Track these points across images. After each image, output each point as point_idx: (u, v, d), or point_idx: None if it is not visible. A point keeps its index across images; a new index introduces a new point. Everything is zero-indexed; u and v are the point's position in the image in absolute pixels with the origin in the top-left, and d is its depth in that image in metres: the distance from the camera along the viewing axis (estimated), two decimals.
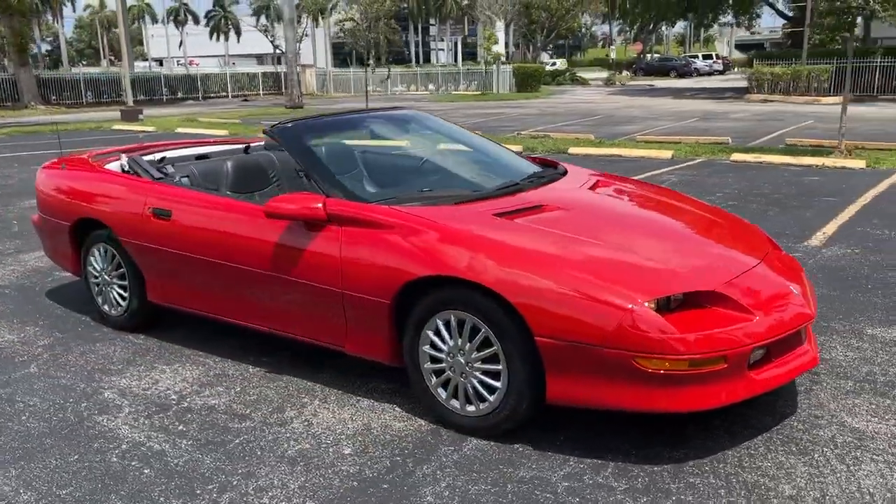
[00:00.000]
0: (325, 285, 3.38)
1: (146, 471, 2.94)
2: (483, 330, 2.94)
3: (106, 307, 4.59)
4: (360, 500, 2.68)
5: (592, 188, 3.99)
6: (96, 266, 4.55)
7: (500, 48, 39.29)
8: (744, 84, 30.03)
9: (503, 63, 37.54)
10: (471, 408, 3.08)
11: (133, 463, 3.00)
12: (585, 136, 15.15)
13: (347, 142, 4.28)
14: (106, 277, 4.50)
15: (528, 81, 36.55)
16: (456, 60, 57.18)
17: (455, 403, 3.12)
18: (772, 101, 26.01)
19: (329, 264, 3.34)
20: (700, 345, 2.64)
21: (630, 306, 2.68)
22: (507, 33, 44.93)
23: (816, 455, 2.87)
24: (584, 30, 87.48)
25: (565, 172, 4.15)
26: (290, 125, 3.96)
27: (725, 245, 3.38)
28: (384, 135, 4.43)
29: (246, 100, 37.29)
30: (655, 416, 3.06)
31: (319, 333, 3.56)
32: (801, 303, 3.02)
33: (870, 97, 26.85)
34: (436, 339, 3.11)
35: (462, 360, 3.03)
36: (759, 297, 2.92)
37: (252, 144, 5.38)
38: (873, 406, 3.26)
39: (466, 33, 67.22)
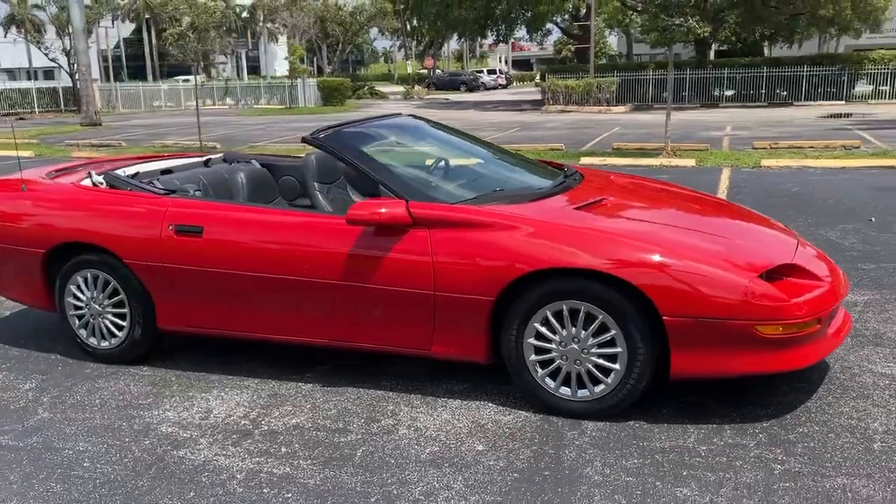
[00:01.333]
0: (412, 289, 3.38)
1: (287, 494, 2.80)
2: (601, 317, 3.14)
3: (93, 340, 4.15)
4: (534, 488, 2.77)
5: (623, 184, 4.31)
6: (81, 296, 4.10)
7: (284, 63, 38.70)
8: (533, 97, 32.41)
9: (309, 77, 37.22)
10: (583, 392, 3.26)
11: (265, 490, 2.84)
12: None
13: (390, 148, 4.24)
14: (96, 307, 4.07)
15: (333, 95, 36.51)
16: (239, 74, 55.67)
17: (566, 391, 3.28)
18: (569, 111, 28.27)
19: (418, 267, 3.35)
20: (804, 309, 3.05)
21: (748, 281, 3.02)
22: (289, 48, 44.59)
23: (875, 396, 3.40)
24: (366, 45, 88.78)
25: (578, 171, 4.42)
26: (339, 132, 3.90)
27: (766, 226, 3.86)
28: (406, 142, 4.43)
29: (21, 118, 33.55)
30: (747, 379, 3.44)
31: (399, 339, 3.54)
32: (838, 271, 3.55)
33: (646, 106, 30.09)
34: (543, 331, 3.25)
35: (577, 348, 3.21)
36: (817, 268, 3.41)
37: (212, 157, 5.13)
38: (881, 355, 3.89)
39: (250, 47, 65.60)
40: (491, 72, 61.70)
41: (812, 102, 29.49)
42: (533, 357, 3.30)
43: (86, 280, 4.07)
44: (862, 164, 11.48)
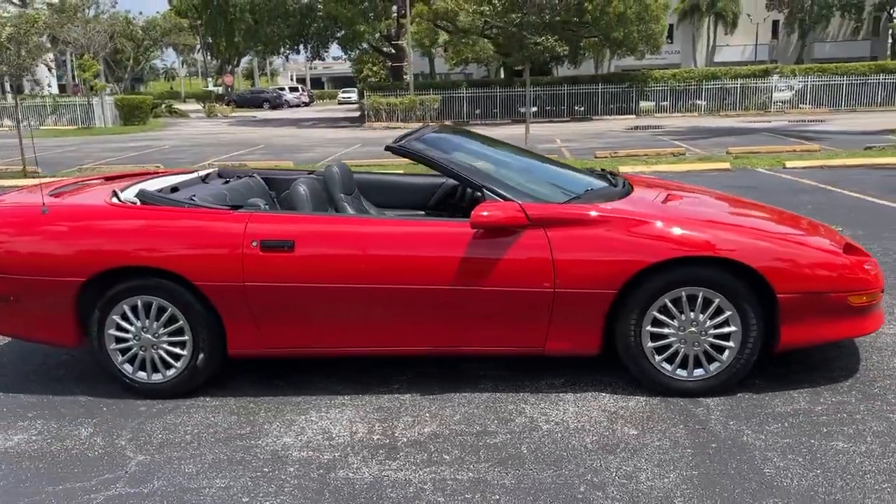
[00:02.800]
0: (531, 288, 3.48)
1: (495, 496, 2.79)
2: (717, 300, 3.44)
3: (142, 374, 3.76)
4: (716, 459, 2.99)
5: (652, 182, 4.66)
6: (128, 326, 3.70)
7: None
8: (344, 114, 32.49)
9: (107, 94, 34.45)
10: (699, 372, 3.54)
11: (468, 495, 2.81)
12: (285, 163, 15.26)
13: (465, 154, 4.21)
14: (149, 337, 3.70)
15: (134, 114, 34.15)
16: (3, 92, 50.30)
17: (682, 372, 3.55)
18: (395, 127, 28.73)
19: (538, 266, 3.46)
20: (878, 280, 3.57)
21: (842, 259, 3.48)
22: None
23: None
24: (147, 63, 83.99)
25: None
26: (423, 139, 3.88)
27: (792, 213, 4.38)
28: (466, 149, 4.42)
29: None
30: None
31: (511, 340, 3.61)
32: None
33: (464, 122, 31.41)
34: (662, 318, 3.49)
35: (696, 331, 3.48)
36: (856, 247, 3.97)
37: (208, 173, 4.84)
38: None
39: None
40: (293, 89, 60.86)
41: (608, 117, 32.49)
42: (650, 344, 3.53)
43: (134, 308, 3.69)
44: (702, 167, 12.96)
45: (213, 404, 3.71)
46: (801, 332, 3.49)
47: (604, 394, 3.65)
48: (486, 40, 33.13)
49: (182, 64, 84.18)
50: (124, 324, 3.71)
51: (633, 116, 32.18)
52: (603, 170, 4.88)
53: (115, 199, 3.87)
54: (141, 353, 3.74)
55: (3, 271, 3.73)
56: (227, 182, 4.70)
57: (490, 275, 3.48)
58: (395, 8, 34.70)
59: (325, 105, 63.35)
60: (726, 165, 12.90)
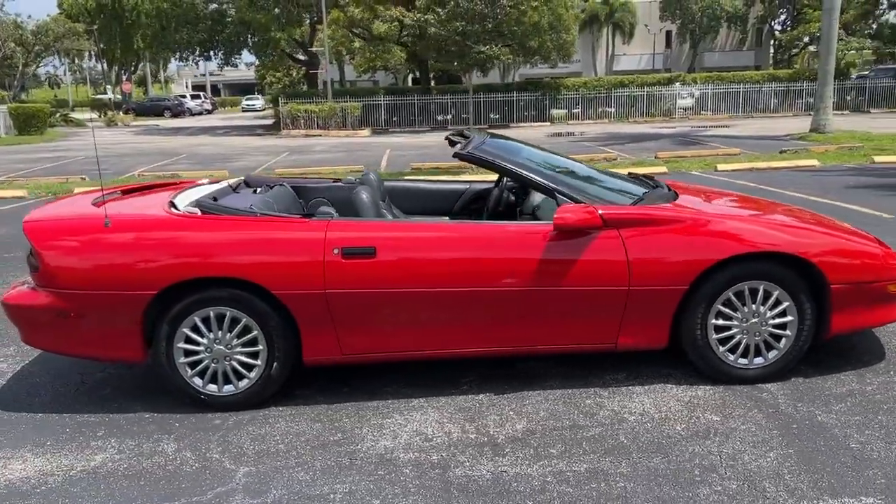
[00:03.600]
0: (606, 286, 3.65)
1: (620, 483, 2.93)
2: (776, 293, 3.71)
3: (213, 387, 3.69)
4: (805, 438, 3.23)
5: (697, 188, 4.94)
6: (199, 339, 3.62)
7: None
8: (254, 122, 31.80)
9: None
10: (759, 360, 3.80)
11: (592, 485, 2.93)
12: (220, 172, 14.91)
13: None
14: (222, 349, 3.63)
15: (31, 123, 32.32)
16: None
17: (743, 361, 3.79)
18: (314, 135, 28.45)
19: (613, 266, 3.63)
20: None
21: (882, 250, 3.82)
22: None
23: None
24: (28, 70, 79.54)
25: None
26: (486, 146, 3.97)
27: (812, 211, 4.74)
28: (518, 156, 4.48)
29: None
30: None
31: (586, 337, 3.76)
32: None
33: (383, 130, 31.42)
34: (726, 310, 3.73)
35: (757, 321, 3.74)
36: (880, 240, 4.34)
37: (238, 182, 4.77)
38: None
39: None
40: (195, 97, 59.06)
41: (524, 124, 33.19)
42: (714, 336, 3.76)
43: (206, 320, 3.61)
44: (642, 171, 13.53)
45: (289, 413, 3.68)
46: (849, 320, 3.81)
47: (669, 385, 3.85)
48: (399, 47, 33.37)
49: (67, 71, 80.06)
50: (195, 336, 3.62)
51: (548, 124, 33.06)
52: (635, 174, 5.11)
53: (174, 210, 3.78)
54: (213, 365, 3.66)
55: (65, 286, 3.57)
56: (255, 191, 4.64)
57: (568, 275, 3.63)
58: (308, 15, 34.36)
59: (228, 113, 61.89)
60: (664, 169, 13.53)
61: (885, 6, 43.31)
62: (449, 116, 33.43)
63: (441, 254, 3.65)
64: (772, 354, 3.80)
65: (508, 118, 33.95)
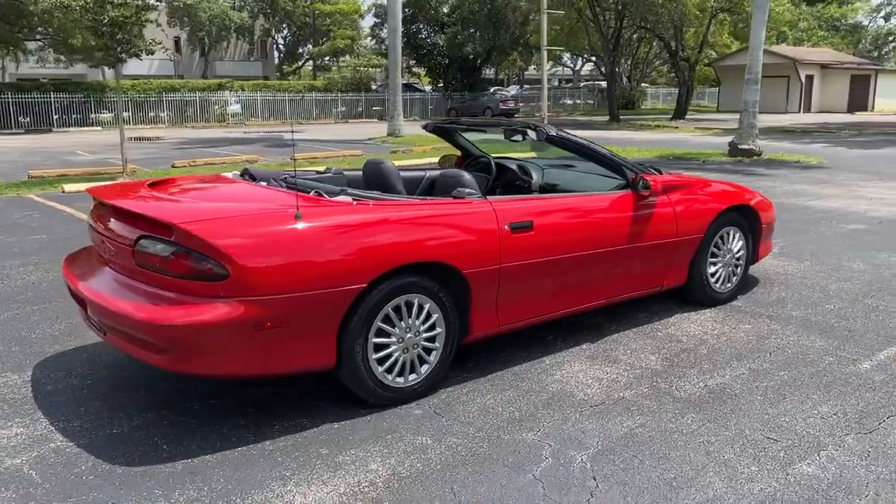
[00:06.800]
0: (666, 239, 4.53)
1: (785, 388, 3.89)
2: (739, 233, 5.04)
3: (400, 380, 3.46)
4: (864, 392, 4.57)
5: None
6: (392, 330, 3.38)
7: None
8: None
9: None
10: (728, 285, 5.09)
11: (770, 384, 3.83)
12: None
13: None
14: (412, 336, 3.45)
15: None
16: None
17: (718, 286, 5.01)
18: None
19: (669, 223, 4.54)
20: None
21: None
22: None
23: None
24: None
25: None
26: (557, 133, 4.34)
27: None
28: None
29: None
30: None
31: (646, 284, 4.57)
32: None
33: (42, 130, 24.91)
34: (715, 250, 4.92)
35: (730, 257, 5.01)
36: None
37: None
38: None
39: None
40: None
41: (72, 129, 29.82)
42: (711, 269, 4.93)
43: (398, 309, 3.39)
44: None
45: (416, 413, 3.42)
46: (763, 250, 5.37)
47: (689, 313, 4.88)
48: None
49: None
50: (388, 327, 3.36)
51: (99, 128, 30.28)
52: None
53: (341, 198, 3.42)
54: (403, 356, 3.44)
55: (263, 291, 2.95)
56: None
57: (647, 231, 4.41)
58: None
59: None
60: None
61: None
62: None
63: (576, 222, 4.08)
64: (734, 280, 5.13)
65: (46, 122, 30.00)
